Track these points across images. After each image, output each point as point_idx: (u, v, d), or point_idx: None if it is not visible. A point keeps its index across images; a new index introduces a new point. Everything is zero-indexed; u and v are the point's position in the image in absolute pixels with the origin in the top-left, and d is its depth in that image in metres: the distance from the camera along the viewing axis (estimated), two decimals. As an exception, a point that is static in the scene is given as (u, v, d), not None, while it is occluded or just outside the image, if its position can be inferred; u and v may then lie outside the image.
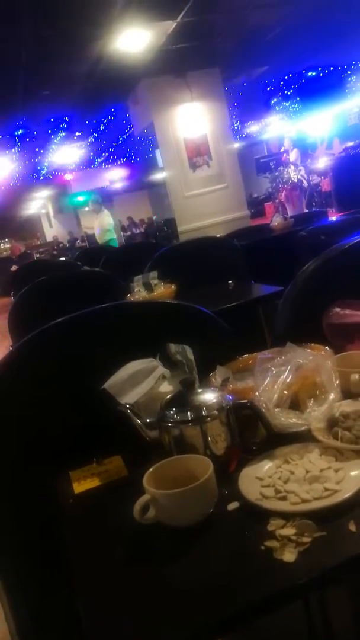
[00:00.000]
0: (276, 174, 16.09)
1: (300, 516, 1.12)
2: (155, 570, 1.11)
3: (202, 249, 4.84)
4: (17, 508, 1.77)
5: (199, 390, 1.44)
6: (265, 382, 1.49)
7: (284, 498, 1.20)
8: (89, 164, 21.28)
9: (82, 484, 1.49)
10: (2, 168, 15.09)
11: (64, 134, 13.11)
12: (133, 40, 7.61)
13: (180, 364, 1.66)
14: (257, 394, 1.47)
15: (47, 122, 11.72)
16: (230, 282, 4.07)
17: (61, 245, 27.25)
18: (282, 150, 17.38)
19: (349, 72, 15.29)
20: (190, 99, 9.69)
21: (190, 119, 9.78)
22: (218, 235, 6.62)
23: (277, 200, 16.20)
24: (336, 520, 1.10)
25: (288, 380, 1.49)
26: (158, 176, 20.22)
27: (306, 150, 19.49)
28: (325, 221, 6.81)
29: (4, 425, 1.78)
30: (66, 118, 11.81)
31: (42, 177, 20.43)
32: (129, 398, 1.56)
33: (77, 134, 13.98)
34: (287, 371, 1.51)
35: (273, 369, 1.53)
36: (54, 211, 31.97)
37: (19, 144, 12.90)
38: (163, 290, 3.86)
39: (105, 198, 19.11)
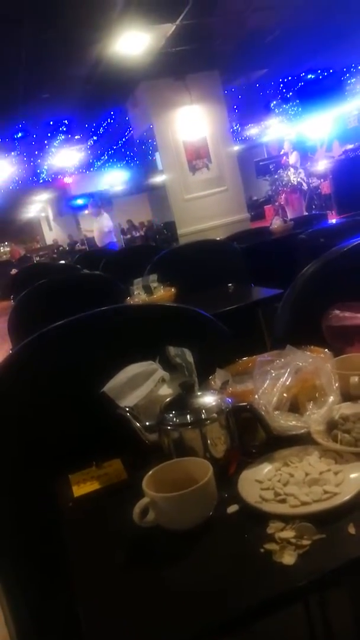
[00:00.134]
0: (276, 176, 16.11)
1: (300, 519, 1.13)
2: (154, 573, 1.11)
3: (202, 252, 4.85)
4: (17, 511, 1.77)
5: (199, 393, 1.44)
6: (265, 385, 1.49)
7: (283, 501, 1.20)
8: (88, 167, 21.27)
9: (82, 487, 1.49)
10: (1, 171, 15.08)
11: (63, 137, 13.12)
12: (132, 43, 7.61)
13: (180, 366, 1.66)
14: (256, 396, 1.47)
15: (46, 125, 11.72)
16: (230, 285, 4.08)
17: (61, 248, 27.24)
18: (281, 152, 17.35)
19: (348, 75, 15.29)
20: (189, 102, 9.68)
21: (190, 122, 9.77)
22: (218, 238, 6.62)
23: (276, 203, 16.23)
24: (335, 523, 1.10)
25: (287, 383, 1.49)
26: (158, 179, 20.21)
27: (306, 153, 19.49)
28: (325, 224, 6.82)
29: (3, 428, 1.78)
30: (65, 121, 11.81)
31: (41, 181, 20.42)
32: (128, 401, 1.57)
33: (76, 137, 13.98)
34: (286, 374, 1.51)
35: (272, 371, 1.53)
36: (53, 214, 31.96)
37: (18, 147, 12.90)
38: (163, 293, 3.86)
39: (105, 201, 19.15)
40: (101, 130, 14.00)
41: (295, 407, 1.49)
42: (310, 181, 16.25)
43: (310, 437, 1.40)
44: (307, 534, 1.08)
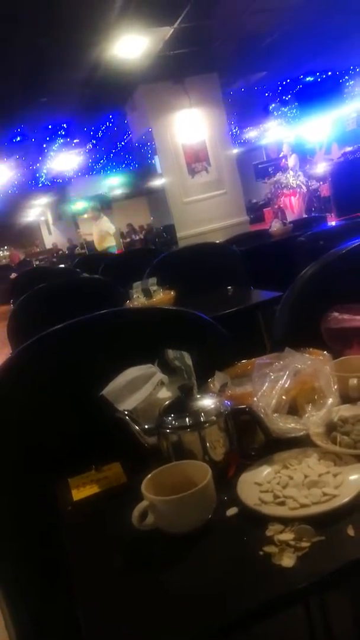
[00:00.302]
0: (275, 179, 16.12)
1: (299, 521, 1.13)
2: (154, 577, 1.11)
3: (201, 255, 4.84)
4: (17, 515, 1.77)
5: (198, 396, 1.44)
6: (264, 388, 1.49)
7: (282, 503, 1.20)
8: (87, 171, 21.28)
9: (81, 491, 1.49)
10: (0, 175, 15.09)
11: (62, 140, 13.12)
12: (130, 46, 7.62)
13: (179, 370, 1.66)
14: (255, 399, 1.47)
15: (45, 129, 11.73)
16: (229, 287, 4.08)
17: (60, 252, 27.24)
18: (280, 155, 17.38)
19: (346, 77, 15.30)
20: (188, 105, 9.70)
21: (189, 125, 9.78)
22: (217, 241, 6.62)
23: (276, 206, 16.23)
24: (335, 525, 1.10)
25: (286, 386, 1.49)
26: (157, 182, 20.25)
27: (305, 156, 19.52)
28: (324, 226, 6.82)
29: (3, 431, 1.78)
30: (64, 125, 11.81)
31: (40, 185, 20.43)
32: (127, 404, 1.56)
33: (75, 140, 13.98)
34: (285, 376, 1.51)
35: (271, 374, 1.53)
36: (53, 218, 31.96)
37: (17, 151, 12.90)
38: (162, 297, 3.86)
39: (104, 205, 19.13)
40: (100, 133, 14.02)
41: (294, 409, 1.49)
42: (309, 184, 16.25)
43: (309, 440, 1.40)
44: (306, 536, 1.08)
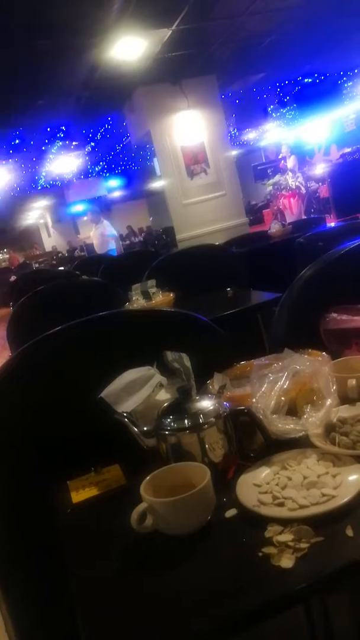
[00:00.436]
0: (274, 180, 16.12)
1: (298, 522, 1.12)
2: (153, 579, 1.11)
3: (201, 257, 4.84)
4: (16, 517, 1.77)
5: (196, 398, 1.44)
6: (263, 389, 1.49)
7: (281, 504, 1.20)
8: (86, 173, 21.28)
9: (81, 494, 1.49)
10: (-1, 178, 15.12)
11: (60, 143, 13.12)
12: (128, 48, 7.62)
13: (178, 371, 1.66)
14: (254, 400, 1.47)
15: (43, 132, 11.72)
16: (229, 289, 4.07)
17: (60, 255, 27.22)
18: (279, 157, 17.39)
19: (345, 79, 15.33)
20: (186, 107, 9.70)
21: (187, 127, 9.79)
22: (216, 243, 6.63)
23: (275, 207, 16.23)
24: (334, 526, 1.10)
25: (285, 387, 1.49)
26: (156, 184, 20.24)
27: (304, 157, 19.56)
28: (324, 227, 6.82)
29: (2, 434, 1.78)
30: (63, 127, 11.82)
31: (39, 187, 20.43)
32: (126, 406, 1.56)
33: (74, 143, 13.98)
34: (284, 377, 1.51)
35: (270, 375, 1.53)
36: (52, 221, 31.96)
37: (15, 154, 12.89)
38: (161, 299, 3.86)
39: (104, 207, 19.12)
40: (99, 136, 14.03)
41: (293, 410, 1.49)
42: (308, 185, 16.26)
43: (308, 440, 1.40)
44: (305, 537, 1.08)
